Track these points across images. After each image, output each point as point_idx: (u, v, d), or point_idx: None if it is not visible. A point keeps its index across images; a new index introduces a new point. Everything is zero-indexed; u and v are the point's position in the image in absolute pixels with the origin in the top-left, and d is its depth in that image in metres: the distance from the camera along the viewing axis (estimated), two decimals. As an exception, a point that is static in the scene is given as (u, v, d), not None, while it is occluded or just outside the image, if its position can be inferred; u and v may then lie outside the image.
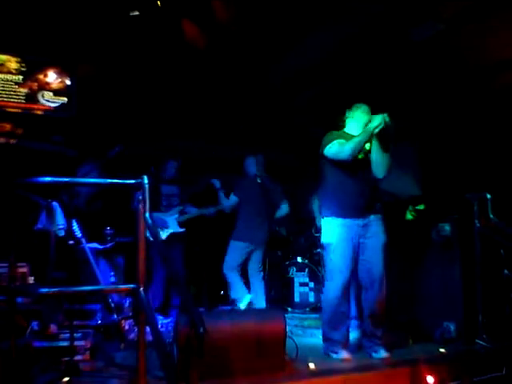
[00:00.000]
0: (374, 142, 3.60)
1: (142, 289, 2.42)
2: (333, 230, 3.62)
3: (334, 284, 3.57)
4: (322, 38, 5.07)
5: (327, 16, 4.74)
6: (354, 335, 3.87)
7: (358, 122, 3.71)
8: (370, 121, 3.57)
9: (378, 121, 3.48)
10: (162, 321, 4.56)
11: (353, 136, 3.63)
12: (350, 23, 4.82)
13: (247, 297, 5.04)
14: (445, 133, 5.81)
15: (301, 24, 4.88)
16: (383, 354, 3.51)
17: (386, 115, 3.47)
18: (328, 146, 3.62)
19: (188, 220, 5.40)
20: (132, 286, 2.47)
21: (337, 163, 3.60)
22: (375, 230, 3.62)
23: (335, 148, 3.59)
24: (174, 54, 5.14)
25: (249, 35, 4.93)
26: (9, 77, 5.40)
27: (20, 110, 5.40)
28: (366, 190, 3.63)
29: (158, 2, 4.44)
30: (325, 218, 3.71)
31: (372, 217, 3.62)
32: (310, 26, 4.89)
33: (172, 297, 5.23)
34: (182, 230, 5.32)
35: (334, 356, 3.52)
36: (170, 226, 5.27)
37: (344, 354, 3.51)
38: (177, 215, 5.34)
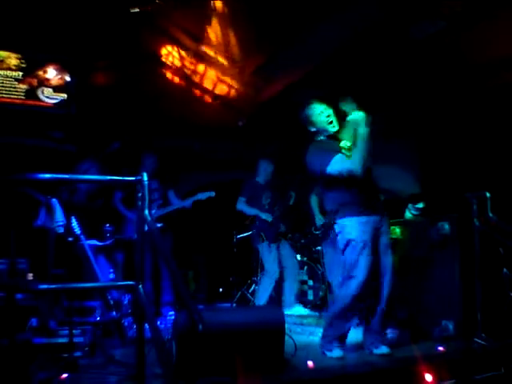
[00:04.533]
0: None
1: (141, 286, 2.43)
2: (354, 228, 3.53)
3: (355, 281, 3.48)
4: (320, 37, 5.06)
5: (325, 15, 4.74)
6: (354, 334, 3.87)
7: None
8: (354, 123, 3.47)
9: (363, 121, 3.40)
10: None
11: (336, 140, 3.60)
12: (348, 24, 4.83)
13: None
14: (444, 131, 5.81)
15: (298, 24, 4.88)
16: (384, 350, 3.49)
17: (360, 112, 3.44)
18: (330, 167, 3.47)
19: (168, 213, 5.23)
20: (131, 282, 2.47)
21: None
22: (387, 226, 3.67)
23: (343, 166, 3.45)
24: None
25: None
26: (8, 73, 5.40)
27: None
28: (369, 187, 3.62)
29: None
30: (342, 220, 3.59)
31: (385, 214, 3.65)
32: (309, 25, 4.88)
33: (163, 294, 5.16)
34: (159, 225, 5.05)
35: (328, 354, 3.51)
36: None
37: (338, 352, 3.50)
38: (155, 210, 5.18)
